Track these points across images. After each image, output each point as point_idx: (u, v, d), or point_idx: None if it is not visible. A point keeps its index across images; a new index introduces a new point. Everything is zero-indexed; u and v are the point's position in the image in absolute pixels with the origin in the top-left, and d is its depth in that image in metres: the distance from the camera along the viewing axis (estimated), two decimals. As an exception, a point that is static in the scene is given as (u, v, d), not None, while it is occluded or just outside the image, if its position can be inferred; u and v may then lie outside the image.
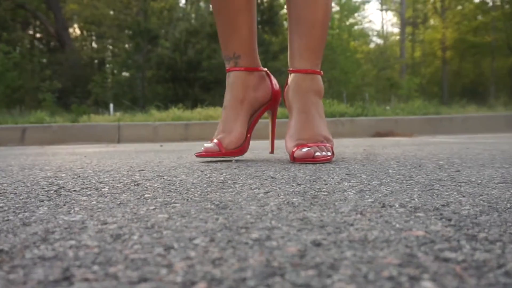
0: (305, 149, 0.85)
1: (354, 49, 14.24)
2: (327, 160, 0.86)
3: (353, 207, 0.41)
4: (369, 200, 0.45)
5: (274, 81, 1.02)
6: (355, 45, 15.29)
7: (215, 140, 0.95)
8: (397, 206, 0.41)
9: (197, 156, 0.96)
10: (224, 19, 0.99)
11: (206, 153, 0.94)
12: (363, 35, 16.18)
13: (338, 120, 3.59)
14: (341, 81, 11.96)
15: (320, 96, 0.94)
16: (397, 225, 0.34)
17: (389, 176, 0.64)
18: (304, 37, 0.91)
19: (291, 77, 0.94)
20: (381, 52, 16.81)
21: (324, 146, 0.88)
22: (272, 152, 1.07)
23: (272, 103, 1.02)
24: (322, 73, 0.94)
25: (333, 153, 0.89)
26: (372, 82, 14.23)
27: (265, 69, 1.02)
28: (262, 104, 1.00)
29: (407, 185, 0.54)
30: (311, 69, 0.92)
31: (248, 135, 0.98)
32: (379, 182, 0.58)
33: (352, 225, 0.34)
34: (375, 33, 20.59)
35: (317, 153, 0.85)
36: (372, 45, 18.65)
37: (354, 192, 0.50)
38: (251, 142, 2.36)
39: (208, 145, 0.95)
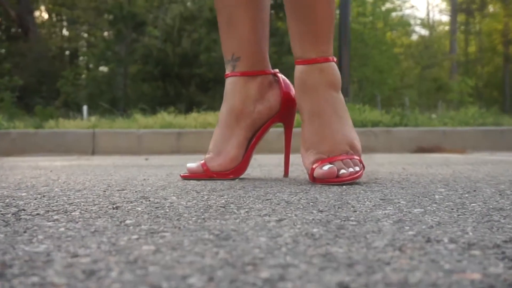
0: (326, 167, 0.84)
1: (391, 41, 14.28)
2: (355, 179, 0.85)
3: (390, 241, 0.41)
4: (410, 232, 0.44)
5: (286, 84, 0.99)
6: (393, 37, 15.33)
7: (201, 161, 0.98)
8: (446, 241, 0.41)
9: (182, 177, 1.00)
10: (221, 10, 0.98)
11: (191, 174, 0.98)
12: (403, 24, 16.21)
13: (370, 130, 3.59)
14: (375, 81, 11.98)
15: (336, 89, 0.91)
16: (447, 266, 0.33)
17: (436, 202, 0.64)
18: (303, 20, 0.89)
19: (295, 71, 0.93)
20: (426, 46, 16.84)
21: (351, 159, 0.87)
22: (286, 175, 1.04)
23: (281, 114, 0.98)
24: (334, 59, 0.91)
25: (363, 166, 0.88)
26: (414, 83, 14.23)
27: (275, 70, 1.00)
28: (269, 117, 0.98)
29: (458, 215, 0.54)
30: (317, 57, 0.90)
31: (247, 155, 0.98)
32: (423, 210, 0.57)
33: (388, 264, 0.34)
34: (419, 21, 20.64)
35: (343, 171, 0.84)
36: (414, 37, 18.69)
37: (391, 222, 0.49)
38: (260, 157, 2.36)
39: (191, 165, 0.98)
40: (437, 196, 0.70)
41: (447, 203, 0.63)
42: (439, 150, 3.41)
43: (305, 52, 0.90)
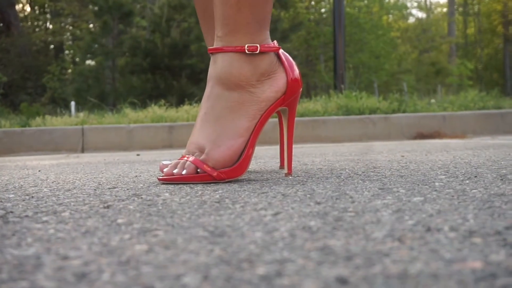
0: (166, 169, 0.83)
1: (387, 25, 14.28)
2: (169, 180, 0.81)
3: (389, 232, 0.41)
4: (410, 222, 0.45)
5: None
6: (389, 21, 15.32)
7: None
8: (446, 229, 0.41)
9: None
10: None
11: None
12: (400, 8, 16.22)
13: (367, 118, 3.59)
14: (371, 67, 11.98)
15: (223, 83, 0.83)
16: (447, 255, 0.34)
17: (436, 190, 0.64)
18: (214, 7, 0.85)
19: None
20: (423, 29, 16.83)
21: (187, 161, 0.81)
22: (282, 166, 0.97)
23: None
24: (228, 47, 0.82)
25: (210, 176, 0.80)
26: (412, 68, 14.24)
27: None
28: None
29: (459, 202, 0.54)
30: (211, 47, 0.85)
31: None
32: (423, 198, 0.58)
33: (387, 255, 0.34)
34: (415, 4, 20.63)
35: (166, 170, 0.83)
36: (411, 20, 18.68)
37: (390, 212, 0.50)
38: (255, 149, 2.36)
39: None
40: (437, 184, 0.70)
41: (447, 190, 0.63)
42: (439, 135, 3.42)
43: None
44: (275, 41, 0.87)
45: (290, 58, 0.88)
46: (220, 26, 0.83)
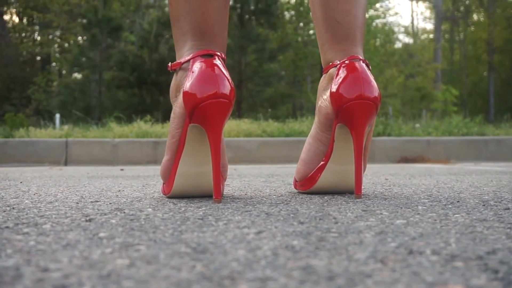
0: None
1: (374, 49, 14.42)
2: None
3: (371, 254, 0.41)
4: (392, 244, 0.45)
5: (343, 79, 0.80)
6: (376, 45, 15.48)
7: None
8: (428, 253, 0.41)
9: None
10: None
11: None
12: (387, 32, 16.39)
13: (353, 140, 3.61)
14: (358, 90, 12.01)
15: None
16: (429, 278, 0.34)
17: (418, 214, 0.64)
18: None
19: None
20: (409, 54, 17.01)
21: None
22: (359, 194, 0.81)
23: (337, 115, 0.81)
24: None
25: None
26: (398, 92, 14.35)
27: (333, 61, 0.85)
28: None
29: (441, 226, 0.54)
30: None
31: (323, 162, 0.86)
32: (405, 221, 0.58)
33: (369, 276, 0.34)
34: (403, 29, 20.89)
35: None
36: (398, 45, 18.89)
37: (373, 233, 0.50)
38: (240, 167, 2.35)
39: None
40: (420, 207, 0.71)
41: (430, 214, 0.63)
42: (423, 160, 3.44)
43: None
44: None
45: None
46: None
